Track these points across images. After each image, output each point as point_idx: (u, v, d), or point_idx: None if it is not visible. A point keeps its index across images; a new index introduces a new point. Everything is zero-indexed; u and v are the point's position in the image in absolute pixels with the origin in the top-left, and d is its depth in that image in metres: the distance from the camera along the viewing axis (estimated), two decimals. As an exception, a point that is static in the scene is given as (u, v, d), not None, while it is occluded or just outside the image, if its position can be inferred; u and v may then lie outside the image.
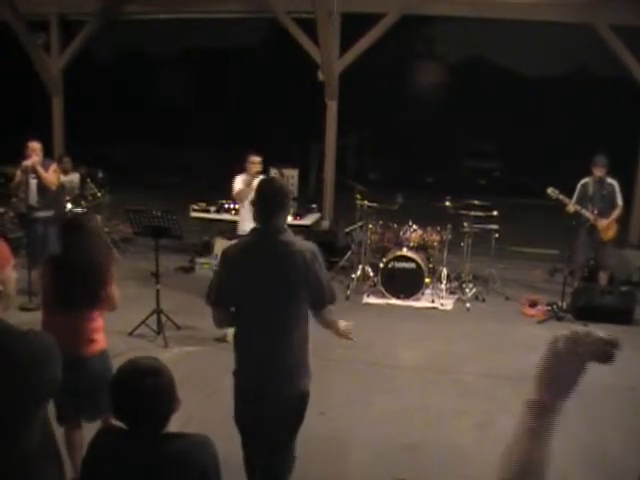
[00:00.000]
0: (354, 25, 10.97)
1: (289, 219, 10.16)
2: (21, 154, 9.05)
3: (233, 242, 4.37)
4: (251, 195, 4.64)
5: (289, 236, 3.94)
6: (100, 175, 12.03)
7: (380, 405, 6.38)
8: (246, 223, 7.91)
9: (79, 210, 10.65)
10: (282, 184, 4.12)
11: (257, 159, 8.55)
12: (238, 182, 8.62)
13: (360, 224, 10.46)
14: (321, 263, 3.96)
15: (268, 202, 3.92)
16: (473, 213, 9.79)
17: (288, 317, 3.91)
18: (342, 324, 4.18)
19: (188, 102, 21.97)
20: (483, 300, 9.83)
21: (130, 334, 7.83)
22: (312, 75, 11.63)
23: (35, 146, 9.03)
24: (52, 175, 9.09)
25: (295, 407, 4.03)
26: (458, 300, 9.75)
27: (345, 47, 11.40)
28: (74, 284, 4.52)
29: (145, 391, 2.63)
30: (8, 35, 11.77)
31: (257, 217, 3.98)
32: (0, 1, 10.94)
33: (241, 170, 8.66)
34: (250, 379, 3.99)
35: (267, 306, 3.88)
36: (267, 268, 3.87)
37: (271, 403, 3.94)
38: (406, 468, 5.26)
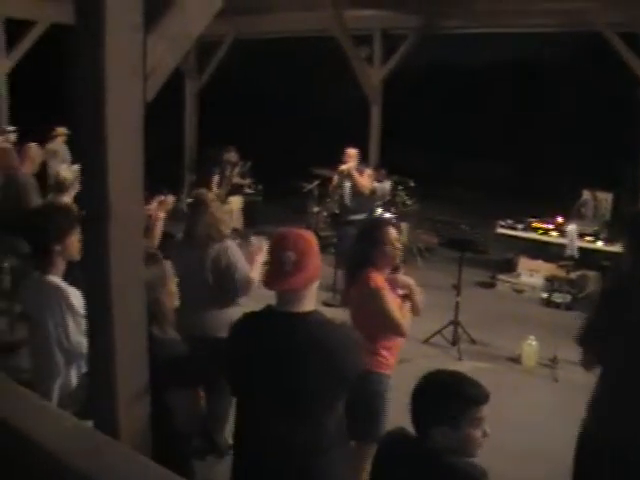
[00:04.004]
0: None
1: (599, 244, 9.69)
2: (339, 159, 9.57)
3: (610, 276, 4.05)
4: None
5: None
6: (411, 184, 12.33)
7: None
8: None
9: (387, 216, 11.01)
10: None
11: None
12: None
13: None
14: None
15: None
16: None
17: None
18: None
19: (499, 116, 21.69)
20: None
21: (424, 342, 7.92)
22: (632, 92, 10.83)
23: (352, 152, 9.48)
24: (366, 180, 9.46)
25: None
26: None
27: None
28: None
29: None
30: (336, 47, 12.49)
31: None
32: (330, 18, 11.66)
33: None
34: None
35: None
36: None
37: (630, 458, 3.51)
38: None
